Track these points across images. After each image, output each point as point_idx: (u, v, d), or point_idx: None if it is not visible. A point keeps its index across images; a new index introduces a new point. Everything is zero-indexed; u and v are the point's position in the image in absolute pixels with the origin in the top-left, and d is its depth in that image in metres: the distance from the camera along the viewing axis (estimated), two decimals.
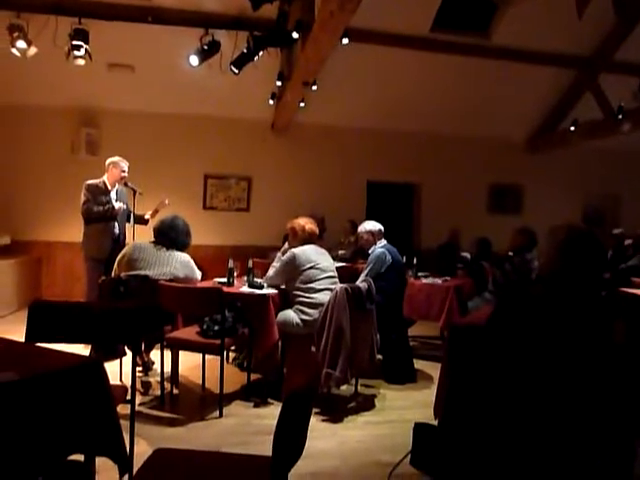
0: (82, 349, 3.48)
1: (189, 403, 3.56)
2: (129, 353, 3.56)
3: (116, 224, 4.79)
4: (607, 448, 1.58)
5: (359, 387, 3.81)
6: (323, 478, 2.56)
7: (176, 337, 3.48)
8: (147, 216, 5.04)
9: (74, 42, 5.18)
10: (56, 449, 1.60)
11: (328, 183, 7.63)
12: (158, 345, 3.68)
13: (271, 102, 6.59)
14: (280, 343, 3.65)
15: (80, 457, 1.75)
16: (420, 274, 5.10)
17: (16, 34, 5.15)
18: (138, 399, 3.37)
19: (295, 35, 4.70)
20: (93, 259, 4.65)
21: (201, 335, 3.40)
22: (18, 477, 1.50)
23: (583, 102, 7.34)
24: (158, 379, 3.70)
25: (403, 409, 3.51)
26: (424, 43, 6.37)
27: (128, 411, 2.22)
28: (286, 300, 3.71)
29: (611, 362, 1.64)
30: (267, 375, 3.81)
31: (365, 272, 4.22)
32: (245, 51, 5.23)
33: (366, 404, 3.61)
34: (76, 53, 5.24)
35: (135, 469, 1.68)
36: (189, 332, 3.51)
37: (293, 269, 3.65)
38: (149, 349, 4.05)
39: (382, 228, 4.42)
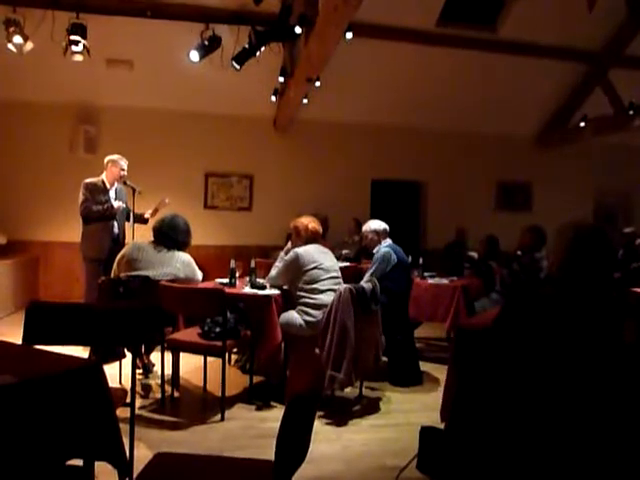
0: (81, 351, 3.49)
1: (190, 406, 3.56)
2: (129, 355, 3.57)
3: (115, 223, 4.80)
4: (620, 451, 1.57)
5: (364, 390, 3.81)
6: None
7: (177, 339, 3.49)
8: (147, 215, 5.05)
9: (72, 37, 5.18)
10: (54, 454, 1.60)
11: (332, 181, 7.63)
12: (159, 347, 3.69)
13: (273, 99, 6.59)
14: (283, 345, 3.64)
15: (79, 462, 1.75)
16: (426, 274, 5.09)
17: (12, 29, 5.15)
18: (138, 402, 3.38)
19: (298, 30, 4.70)
20: (92, 259, 4.66)
21: (202, 337, 3.41)
22: None
23: (593, 98, 7.31)
24: (158, 382, 3.71)
25: (409, 412, 3.51)
26: (430, 37, 6.36)
27: (128, 414, 2.22)
28: (289, 301, 3.71)
29: (622, 363, 1.63)
30: (270, 377, 3.82)
31: (370, 272, 4.22)
32: (247, 46, 5.22)
33: (371, 407, 3.61)
34: (74, 48, 5.24)
35: (135, 474, 1.68)
36: (190, 334, 3.52)
37: (296, 269, 3.65)
38: (149, 351, 4.06)
39: (387, 227, 4.42)
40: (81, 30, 5.24)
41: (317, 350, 3.40)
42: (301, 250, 3.71)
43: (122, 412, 2.07)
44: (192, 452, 2.36)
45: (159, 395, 3.55)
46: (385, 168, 7.88)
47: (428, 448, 2.61)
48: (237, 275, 4.00)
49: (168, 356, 3.61)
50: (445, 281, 4.86)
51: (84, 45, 5.29)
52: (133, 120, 7.05)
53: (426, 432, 2.65)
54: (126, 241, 4.85)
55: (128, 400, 2.26)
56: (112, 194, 4.86)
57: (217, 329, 3.36)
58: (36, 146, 6.86)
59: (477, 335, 2.36)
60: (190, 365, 4.12)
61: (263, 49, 5.24)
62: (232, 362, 4.39)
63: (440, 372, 4.18)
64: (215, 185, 7.48)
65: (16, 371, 1.59)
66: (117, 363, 3.71)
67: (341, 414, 3.41)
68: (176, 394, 3.66)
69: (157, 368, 3.96)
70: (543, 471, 1.58)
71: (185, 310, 3.58)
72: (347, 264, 5.65)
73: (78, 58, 5.36)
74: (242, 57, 5.30)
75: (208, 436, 3.02)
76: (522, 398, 1.64)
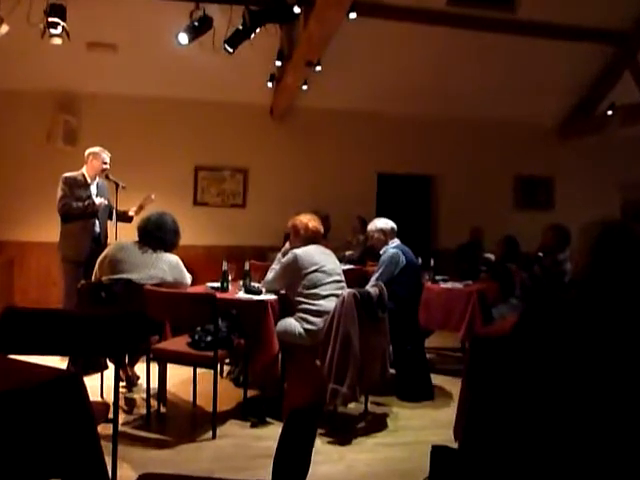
0: (58, 362, 3.50)
1: (178, 423, 3.56)
2: (111, 366, 3.57)
3: (97, 222, 4.81)
4: None
5: (369, 405, 3.81)
6: None
7: (164, 349, 3.49)
8: (131, 213, 5.06)
9: (50, 19, 5.17)
10: (30, 474, 1.60)
11: (334, 175, 7.63)
12: (143, 358, 3.69)
13: (270, 85, 6.60)
14: (280, 355, 3.65)
15: None
16: (438, 278, 5.09)
17: None
18: (121, 418, 3.38)
19: (297, 10, 4.70)
20: (71, 261, 4.66)
21: (192, 346, 3.41)
22: None
23: (622, 83, 7.29)
24: (143, 396, 3.71)
25: (419, 430, 3.51)
26: (440, 17, 6.35)
27: (110, 431, 2.23)
28: (287, 307, 3.72)
29: None
30: (266, 391, 3.82)
31: (376, 275, 4.22)
32: (240, 28, 5.22)
33: (377, 424, 3.60)
34: (52, 31, 5.23)
35: None
36: (178, 343, 3.52)
37: (295, 272, 3.65)
38: (133, 362, 4.06)
39: (395, 226, 4.42)
40: (60, 11, 5.23)
41: (318, 361, 3.40)
42: (300, 251, 3.71)
43: (104, 429, 2.07)
44: (180, 473, 2.36)
45: (144, 410, 3.55)
46: (392, 161, 7.87)
47: (440, 469, 2.60)
48: (230, 279, 4.00)
49: (154, 367, 3.60)
50: (459, 285, 4.86)
51: (63, 27, 5.28)
52: (116, 109, 7.06)
53: (438, 452, 2.64)
54: (108, 241, 4.86)
55: (110, 416, 2.26)
56: (93, 189, 4.86)
57: (208, 338, 3.36)
58: (10, 138, 6.87)
59: (494, 345, 2.36)
60: (178, 377, 4.12)
61: (258, 31, 5.23)
62: (224, 374, 4.40)
63: (453, 386, 4.17)
64: (205, 180, 7.49)
65: None
66: (98, 375, 3.71)
67: (344, 432, 3.40)
68: (163, 409, 3.66)
69: (142, 381, 3.96)
70: None
71: (173, 317, 3.58)
72: (351, 267, 5.66)
73: (57, 42, 5.35)
74: (235, 39, 5.30)
75: (198, 456, 3.02)
76: (543, 415, 1.64)
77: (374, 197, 7.89)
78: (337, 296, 3.51)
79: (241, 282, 3.97)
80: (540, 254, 4.53)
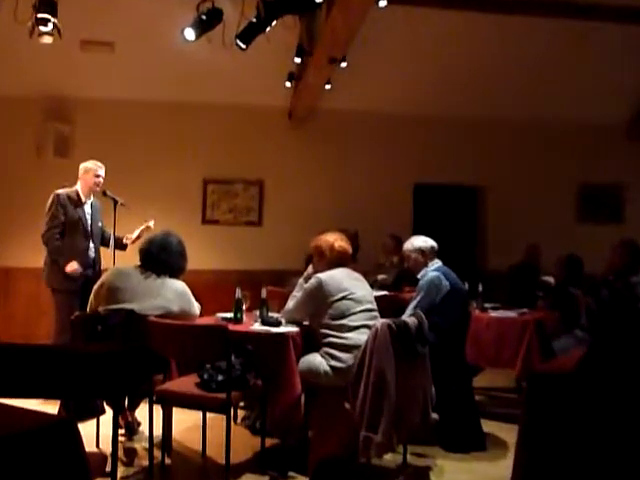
0: (44, 406, 3.53)
1: (186, 476, 3.56)
2: (109, 411, 3.59)
3: (91, 245, 4.93)
4: None
5: (408, 456, 3.77)
6: None
7: (169, 390, 3.50)
8: (126, 240, 5.16)
9: (39, 15, 5.32)
10: None
11: (363, 187, 7.65)
12: (146, 400, 3.70)
13: (288, 85, 6.66)
14: (303, 398, 3.64)
15: None
16: (487, 305, 5.07)
17: None
18: (120, 471, 3.38)
19: None
20: (63, 291, 4.76)
21: (201, 387, 3.42)
22: None
23: None
24: (146, 445, 3.72)
25: None
26: (483, 3, 6.36)
27: None
28: (311, 341, 3.72)
29: None
30: (287, 440, 3.80)
31: (414, 303, 4.21)
32: (254, 20, 5.31)
33: (418, 479, 3.54)
34: (42, 29, 5.38)
35: None
36: (186, 383, 3.53)
37: (320, 300, 3.65)
38: (134, 406, 4.08)
39: (435, 245, 4.41)
40: (50, 6, 5.38)
41: (347, 405, 3.38)
42: (325, 276, 3.71)
43: None
44: None
45: (146, 462, 3.56)
46: (432, 169, 7.87)
47: None
48: (244, 308, 4.01)
49: (158, 412, 3.62)
50: (513, 314, 4.82)
51: (54, 24, 5.43)
52: (114, 115, 7.20)
53: None
54: (103, 267, 4.94)
55: (108, 469, 2.27)
56: (87, 209, 5.00)
57: (219, 377, 3.37)
58: None
59: (556, 384, 2.32)
60: (185, 423, 4.13)
61: (274, 23, 5.31)
62: (239, 420, 4.40)
63: (508, 433, 4.13)
64: (215, 194, 7.58)
65: None
66: (94, 421, 3.73)
67: None
68: (168, 461, 3.67)
69: (144, 427, 3.97)
70: None
71: (179, 353, 3.60)
72: (384, 293, 5.63)
73: (47, 40, 5.51)
74: (248, 34, 5.38)
75: None
76: (616, 466, 1.60)
77: (410, 211, 7.88)
78: (369, 327, 3.49)
79: (257, 312, 3.98)
80: (610, 277, 4.45)
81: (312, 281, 3.74)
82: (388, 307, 4.73)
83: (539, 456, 1.94)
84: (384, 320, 3.44)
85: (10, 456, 1.60)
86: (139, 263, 3.91)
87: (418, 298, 4.21)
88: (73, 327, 3.74)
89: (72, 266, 4.78)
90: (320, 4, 4.85)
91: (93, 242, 4.98)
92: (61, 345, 4.22)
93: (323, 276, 3.71)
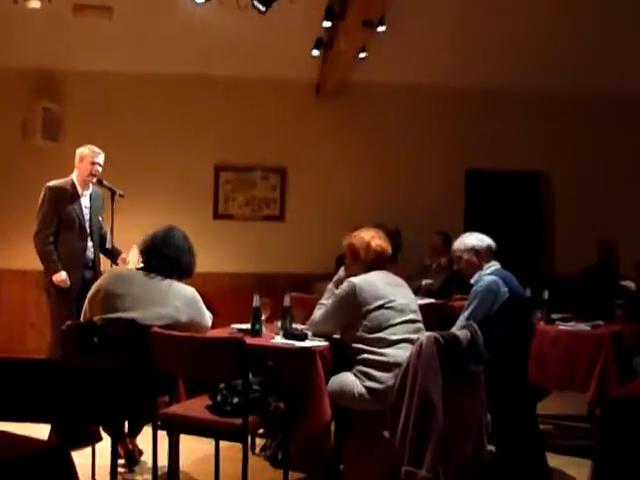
0: (37, 430, 3.57)
1: None
2: (106, 438, 3.63)
3: (89, 244, 4.99)
4: None
5: None
6: None
7: (176, 414, 3.52)
8: (119, 261, 5.20)
9: None
10: None
11: (404, 175, 7.64)
12: (149, 426, 3.73)
13: (316, 53, 6.66)
14: (333, 424, 3.64)
15: None
16: (555, 316, 5.01)
17: None
18: None
19: None
20: (60, 292, 4.85)
21: (213, 411, 3.43)
22: None
23: None
24: (149, 477, 3.75)
25: None
26: None
27: None
28: (342, 358, 3.71)
29: None
30: (314, 474, 3.80)
31: (466, 313, 4.17)
32: None
33: None
34: None
35: None
36: (195, 406, 3.55)
37: (353, 309, 3.65)
38: (135, 432, 4.12)
39: (493, 244, 4.36)
40: None
41: (386, 433, 3.37)
42: (361, 280, 3.71)
43: None
44: None
45: None
46: (486, 153, 7.82)
47: None
48: (263, 318, 4.02)
49: (163, 439, 3.64)
50: (585, 327, 4.77)
51: None
52: (111, 92, 7.26)
53: None
54: (102, 269, 5.00)
55: None
56: (85, 202, 5.06)
57: (235, 399, 3.37)
58: None
59: (637, 410, 2.28)
60: (195, 453, 4.15)
61: None
62: (257, 449, 4.41)
63: (579, 469, 4.09)
64: (230, 184, 7.61)
65: None
66: (89, 449, 3.77)
67: None
68: None
69: (147, 457, 4.00)
70: None
71: (188, 370, 3.62)
72: (430, 301, 5.62)
73: (34, 5, 5.59)
74: None
75: None
76: None
77: (461, 204, 7.86)
78: (412, 342, 3.48)
79: (279, 323, 3.98)
80: None
81: (344, 286, 3.74)
82: (435, 318, 4.72)
83: None
84: (430, 333, 3.42)
85: None
86: (141, 264, 3.95)
87: (471, 307, 4.17)
88: (65, 339, 3.78)
89: (60, 276, 4.87)
90: None
91: (92, 240, 5.05)
92: (51, 360, 4.27)
93: (357, 280, 3.71)
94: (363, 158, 7.67)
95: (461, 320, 4.13)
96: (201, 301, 3.90)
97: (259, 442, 4.45)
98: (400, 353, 3.51)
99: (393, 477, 3.24)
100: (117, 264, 5.21)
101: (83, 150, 5.08)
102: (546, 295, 5.05)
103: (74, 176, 5.06)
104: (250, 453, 3.69)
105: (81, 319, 3.93)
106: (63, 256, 4.90)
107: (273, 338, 3.82)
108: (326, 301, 3.87)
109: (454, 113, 7.77)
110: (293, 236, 7.52)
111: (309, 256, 7.18)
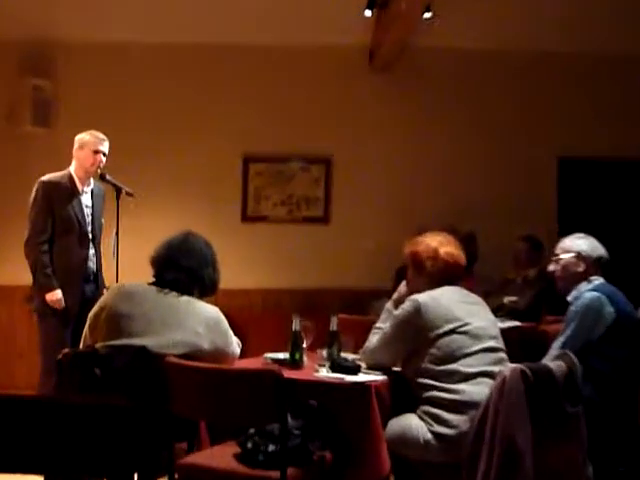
0: None
1: None
2: None
3: (90, 253, 5.03)
4: None
5: None
6: None
7: (197, 464, 3.54)
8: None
9: None
10: None
11: (480, 164, 7.61)
12: (165, 478, 3.76)
13: (368, 13, 6.66)
14: (393, 478, 3.61)
15: None
16: None
17: None
18: None
19: None
20: (54, 314, 4.90)
21: (243, 461, 3.44)
22: None
23: None
24: None
25: None
26: None
27: None
28: (404, 395, 3.71)
29: None
30: None
31: (561, 339, 4.16)
32: None
33: None
34: None
35: None
36: (221, 455, 3.57)
37: (417, 335, 3.65)
38: None
39: (606, 255, 4.33)
40: None
41: None
42: (426, 298, 3.71)
43: None
44: None
45: None
46: (584, 137, 7.75)
47: None
48: (305, 346, 4.04)
49: None
50: None
51: None
52: (114, 66, 7.36)
53: None
54: (107, 284, 5.05)
55: None
56: (86, 200, 5.10)
57: (270, 447, 3.38)
58: None
59: None
60: None
61: None
62: None
63: None
64: (261, 177, 7.66)
65: None
66: None
67: None
68: None
69: None
70: None
71: (211, 411, 3.64)
72: (515, 323, 5.58)
73: None
74: None
75: None
76: None
77: (554, 199, 7.79)
78: (492, 376, 3.47)
79: (324, 352, 3.99)
80: None
81: (406, 306, 3.74)
82: (521, 345, 4.69)
83: None
84: (515, 365, 3.39)
85: None
86: (153, 278, 3.96)
87: (568, 331, 4.15)
88: (60, 370, 3.82)
89: (54, 295, 4.91)
90: None
91: (94, 247, 5.09)
92: (43, 396, 4.32)
93: (422, 298, 3.70)
94: (427, 144, 7.64)
95: (555, 348, 4.12)
96: (227, 324, 3.92)
97: None
98: (477, 390, 3.51)
99: None
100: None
101: (84, 136, 5.11)
102: None
103: (72, 168, 5.10)
104: None
105: (80, 346, 3.97)
106: (59, 267, 4.93)
107: (317, 371, 3.82)
108: (383, 324, 3.87)
109: (543, 86, 7.71)
110: (341, 243, 7.52)
111: (361, 268, 7.18)
